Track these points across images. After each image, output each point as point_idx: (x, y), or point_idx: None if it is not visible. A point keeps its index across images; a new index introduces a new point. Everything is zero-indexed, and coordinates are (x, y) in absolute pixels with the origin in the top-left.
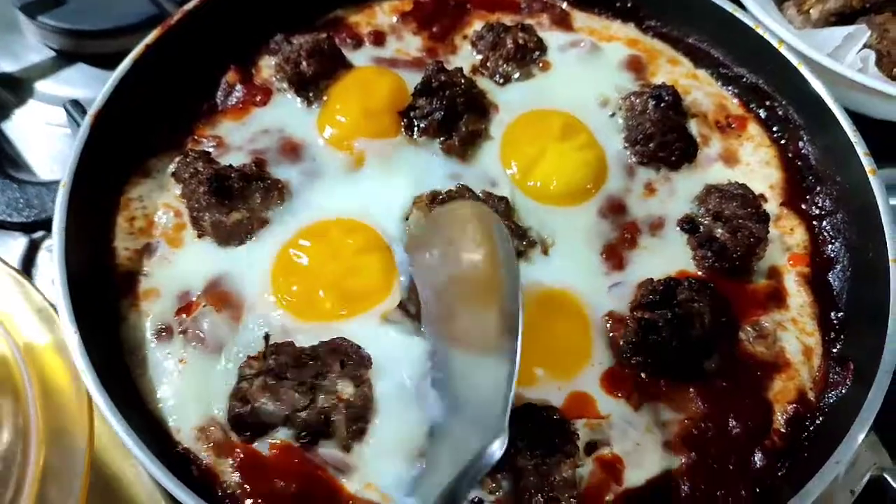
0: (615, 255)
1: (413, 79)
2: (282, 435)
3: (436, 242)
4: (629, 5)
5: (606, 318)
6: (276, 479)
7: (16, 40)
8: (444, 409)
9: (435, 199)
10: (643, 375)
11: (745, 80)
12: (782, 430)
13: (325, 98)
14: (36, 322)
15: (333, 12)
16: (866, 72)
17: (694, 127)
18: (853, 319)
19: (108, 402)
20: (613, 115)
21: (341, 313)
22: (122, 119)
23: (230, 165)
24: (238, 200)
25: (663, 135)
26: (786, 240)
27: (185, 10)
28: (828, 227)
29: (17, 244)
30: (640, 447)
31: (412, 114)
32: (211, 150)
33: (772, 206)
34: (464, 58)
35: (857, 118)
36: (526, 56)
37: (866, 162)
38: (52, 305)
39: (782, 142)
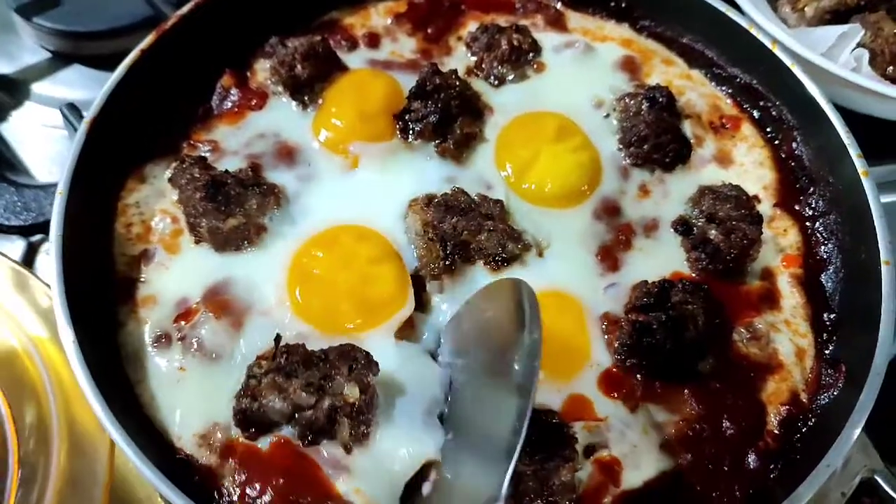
0: (610, 256)
1: (408, 81)
2: (285, 432)
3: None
4: (623, 5)
5: (602, 319)
6: (272, 473)
7: (11, 42)
8: (452, 446)
9: (431, 202)
10: (638, 377)
11: (738, 80)
12: (775, 431)
13: (320, 101)
14: (42, 322)
15: (328, 14)
16: (860, 71)
17: (688, 128)
18: (846, 321)
19: (105, 409)
20: (608, 116)
21: (358, 324)
22: (118, 124)
23: (226, 171)
24: (234, 206)
25: (657, 136)
26: (779, 241)
27: (179, 15)
28: (821, 229)
29: (15, 247)
30: (638, 449)
31: (407, 117)
32: (207, 154)
33: (765, 207)
34: (458, 59)
35: (851, 115)
36: (520, 57)
37: (859, 164)
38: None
39: (776, 142)
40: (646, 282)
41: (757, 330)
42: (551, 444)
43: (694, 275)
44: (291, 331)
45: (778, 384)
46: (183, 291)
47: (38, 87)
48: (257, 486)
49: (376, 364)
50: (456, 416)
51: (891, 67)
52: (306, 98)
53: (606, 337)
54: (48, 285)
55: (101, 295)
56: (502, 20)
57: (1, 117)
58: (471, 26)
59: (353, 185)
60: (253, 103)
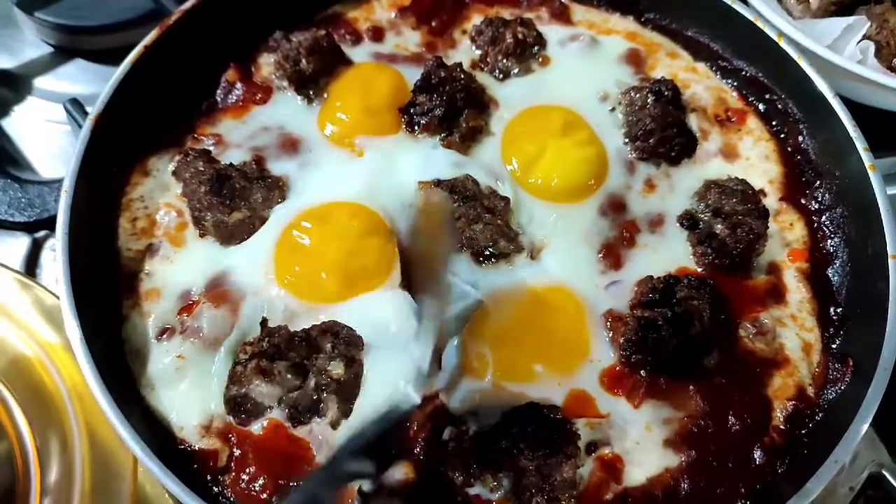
0: (612, 253)
1: (412, 74)
2: (275, 415)
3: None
4: None
5: (605, 316)
6: (264, 457)
7: (13, 36)
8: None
9: (439, 184)
10: (643, 373)
11: (744, 72)
12: (781, 426)
13: (325, 96)
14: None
15: (332, 8)
16: (866, 63)
17: (693, 121)
18: (852, 315)
19: (115, 408)
20: (613, 109)
21: (342, 294)
22: (123, 120)
23: (231, 164)
24: (239, 200)
25: (663, 130)
26: (785, 235)
27: (183, 10)
28: (827, 223)
29: (19, 244)
30: (640, 446)
31: (412, 110)
32: (211, 148)
33: (771, 201)
34: (463, 53)
35: (856, 107)
36: (525, 51)
37: (866, 157)
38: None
39: (782, 136)
40: (651, 277)
41: (763, 325)
42: (554, 440)
43: (700, 269)
44: (280, 306)
45: (784, 379)
46: (187, 284)
47: (40, 82)
48: (251, 469)
49: (360, 338)
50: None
51: None
52: (311, 92)
53: (611, 334)
54: (54, 294)
55: (105, 289)
56: (507, 13)
57: (3, 112)
58: (475, 19)
59: (357, 170)
60: (257, 97)
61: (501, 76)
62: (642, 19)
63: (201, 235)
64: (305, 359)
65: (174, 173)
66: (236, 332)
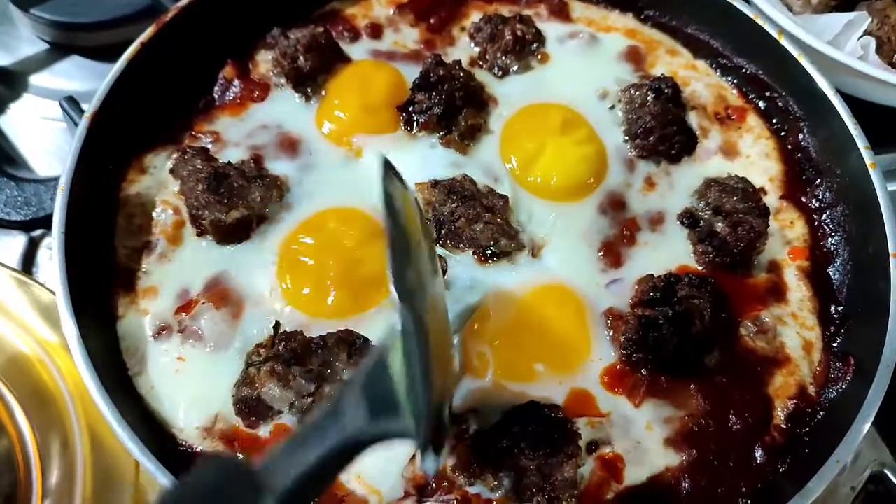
0: (612, 252)
1: (411, 72)
2: (284, 419)
3: None
4: None
5: (606, 315)
6: None
7: (9, 33)
8: None
9: (436, 185)
10: (644, 372)
11: (744, 70)
12: (783, 425)
13: (323, 93)
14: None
15: (330, 5)
16: (867, 59)
17: (693, 119)
18: (853, 314)
19: (110, 405)
20: (613, 107)
21: (351, 307)
22: (119, 118)
23: (229, 163)
24: (237, 199)
25: (663, 128)
26: (786, 233)
27: (179, 6)
28: (828, 221)
29: (16, 242)
30: (641, 445)
31: (411, 108)
32: (209, 145)
33: (771, 199)
34: (462, 50)
35: (857, 103)
36: (524, 48)
37: (867, 155)
38: None
39: (782, 133)
40: (651, 276)
41: (764, 323)
42: (554, 439)
43: (700, 268)
44: (290, 318)
45: (785, 378)
46: (185, 283)
47: (36, 79)
48: None
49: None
50: None
51: None
52: (309, 90)
53: (611, 332)
54: (51, 291)
55: (101, 287)
56: (506, 10)
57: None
58: (474, 16)
59: (356, 172)
60: (255, 95)
61: (500, 74)
62: (642, 16)
63: (199, 234)
64: (321, 365)
65: (172, 171)
66: (240, 335)
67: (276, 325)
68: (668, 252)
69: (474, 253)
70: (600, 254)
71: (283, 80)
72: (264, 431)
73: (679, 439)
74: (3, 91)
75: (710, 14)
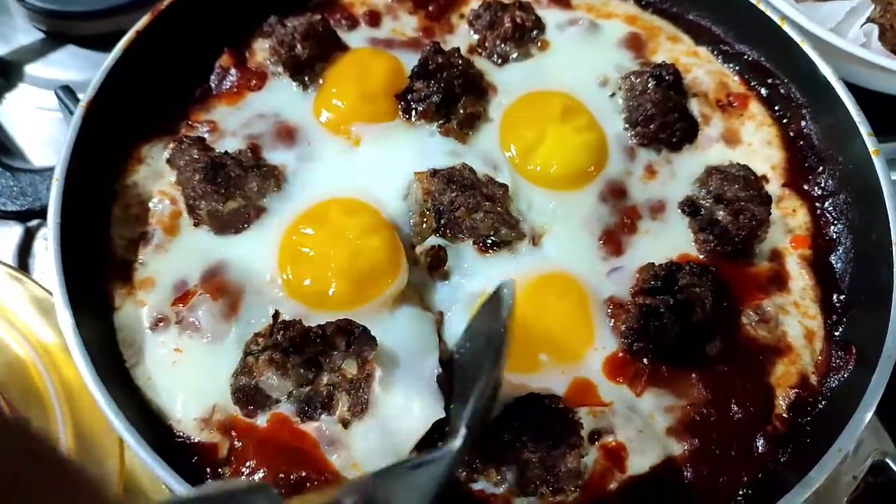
0: (613, 240)
1: (409, 60)
2: (282, 408)
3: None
4: None
5: (607, 303)
6: (268, 450)
7: (4, 23)
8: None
9: (436, 175)
10: (645, 361)
11: (746, 56)
12: (784, 415)
13: (320, 81)
14: (41, 319)
15: None
16: (869, 47)
17: (695, 106)
18: (856, 302)
19: (107, 397)
20: (613, 95)
21: (352, 300)
22: (115, 107)
23: (226, 152)
24: (234, 189)
25: (664, 115)
26: (787, 221)
27: None
28: (830, 209)
29: (12, 233)
30: (643, 434)
31: (409, 97)
32: (206, 135)
33: (773, 187)
34: (461, 37)
35: (860, 91)
36: (524, 35)
37: (870, 143)
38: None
39: (784, 121)
40: (652, 264)
41: (765, 312)
42: (556, 430)
43: (701, 256)
44: (289, 309)
45: (787, 367)
46: (182, 273)
47: (31, 69)
48: (252, 462)
49: (374, 339)
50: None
51: None
52: (307, 78)
53: (612, 321)
54: (47, 290)
55: (97, 279)
56: None
57: None
58: (473, 3)
59: (354, 161)
60: (252, 84)
61: (500, 61)
62: (643, 3)
63: (196, 224)
64: (319, 355)
65: (168, 161)
66: (237, 326)
67: (276, 315)
68: (669, 240)
69: (474, 242)
70: (601, 242)
71: (280, 69)
72: (262, 420)
73: (681, 428)
74: None
75: (712, 0)
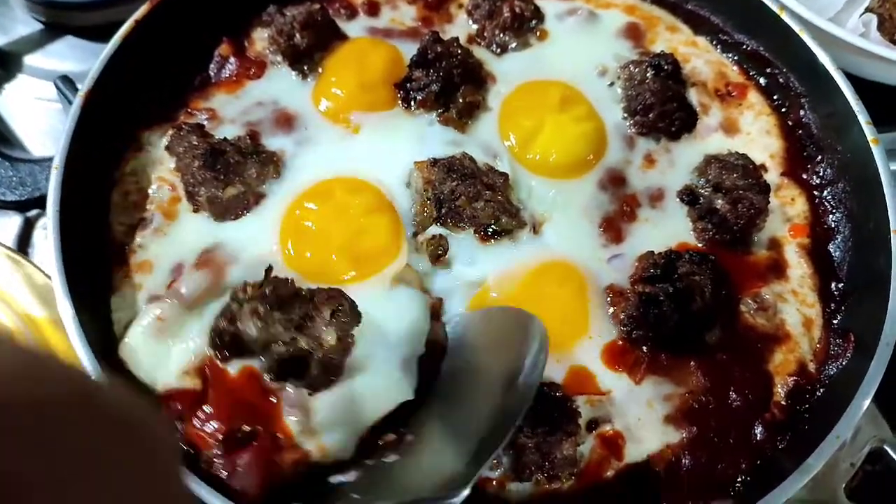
0: (613, 227)
1: (408, 49)
2: (255, 363)
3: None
4: None
5: (606, 291)
6: (230, 400)
7: (3, 13)
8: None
9: (436, 164)
10: (644, 349)
11: (745, 46)
12: (782, 402)
13: (319, 71)
14: (37, 301)
15: None
16: (868, 36)
17: (693, 96)
18: (854, 290)
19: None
20: (612, 84)
21: (352, 276)
22: (114, 96)
23: (225, 139)
24: (233, 175)
25: (663, 104)
26: (786, 210)
27: None
28: (829, 197)
29: (11, 223)
30: (641, 422)
31: (409, 86)
32: (204, 122)
33: (772, 176)
34: (459, 27)
35: (858, 82)
36: (523, 25)
37: (868, 131)
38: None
39: (783, 110)
40: (652, 253)
41: (764, 300)
42: (554, 417)
43: (700, 245)
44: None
45: (785, 355)
46: (180, 257)
47: (30, 60)
48: (210, 409)
49: (360, 315)
50: (444, 391)
51: None
52: (306, 67)
53: (611, 309)
54: (46, 274)
55: (97, 265)
56: None
57: None
58: None
59: (353, 148)
60: (251, 72)
61: (499, 51)
62: None
63: (195, 210)
64: (302, 318)
65: (167, 148)
66: (226, 286)
67: (269, 269)
68: (668, 229)
69: (475, 231)
70: (601, 230)
71: (279, 58)
72: (234, 369)
73: (679, 416)
74: None
75: None
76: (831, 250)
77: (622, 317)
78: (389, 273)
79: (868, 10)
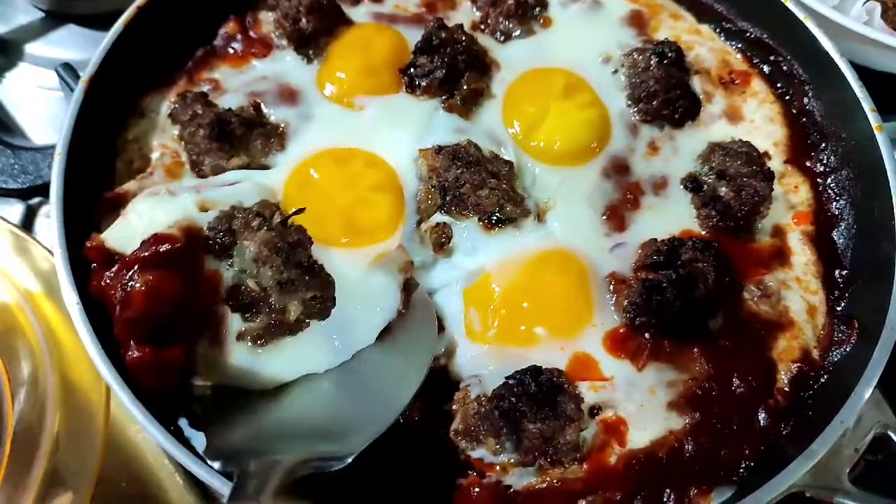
0: (616, 215)
1: (413, 35)
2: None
3: None
4: None
5: (609, 278)
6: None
7: (4, 2)
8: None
9: (440, 151)
10: (647, 336)
11: (749, 34)
12: (786, 389)
13: (324, 56)
14: (39, 280)
15: None
16: (872, 24)
17: (697, 84)
18: (858, 277)
19: (118, 379)
20: (616, 72)
21: (343, 241)
22: (115, 81)
23: (230, 109)
24: (238, 146)
25: (666, 92)
26: (790, 198)
27: None
28: (832, 185)
29: (14, 211)
30: (644, 409)
31: (413, 72)
32: (207, 92)
33: (776, 164)
34: (464, 14)
35: (863, 71)
36: (527, 12)
37: (872, 118)
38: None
39: (787, 98)
40: (655, 240)
41: (767, 287)
42: (557, 403)
43: (704, 232)
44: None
45: (789, 342)
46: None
47: (31, 48)
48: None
49: (328, 316)
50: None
51: None
52: (311, 52)
53: (614, 296)
54: (48, 250)
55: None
56: None
57: None
58: None
59: (358, 124)
60: (256, 52)
61: (503, 38)
62: None
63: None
64: (289, 281)
65: (171, 115)
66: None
67: (300, 210)
68: (671, 216)
69: (479, 219)
70: (604, 218)
71: (284, 42)
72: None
73: (682, 403)
74: None
75: None
76: (835, 237)
77: (625, 304)
78: (378, 250)
79: None
